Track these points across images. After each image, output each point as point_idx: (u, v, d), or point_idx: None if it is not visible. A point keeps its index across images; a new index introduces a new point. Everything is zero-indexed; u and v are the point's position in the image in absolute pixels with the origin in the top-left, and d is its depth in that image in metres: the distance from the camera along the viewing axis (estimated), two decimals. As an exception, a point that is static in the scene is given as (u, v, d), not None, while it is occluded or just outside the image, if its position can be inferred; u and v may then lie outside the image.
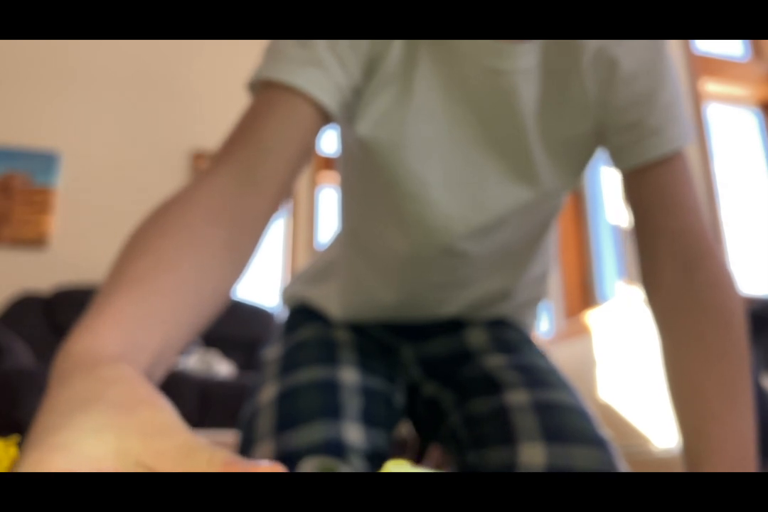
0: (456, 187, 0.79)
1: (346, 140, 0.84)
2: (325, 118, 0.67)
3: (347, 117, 0.79)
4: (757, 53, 3.67)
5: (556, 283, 3.73)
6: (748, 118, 3.63)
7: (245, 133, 0.63)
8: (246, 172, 0.60)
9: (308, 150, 0.66)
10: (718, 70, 3.49)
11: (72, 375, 0.37)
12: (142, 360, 0.43)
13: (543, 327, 3.79)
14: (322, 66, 0.66)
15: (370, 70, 0.73)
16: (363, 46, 0.70)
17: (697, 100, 3.26)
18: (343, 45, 0.68)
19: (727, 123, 3.56)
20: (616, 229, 3.42)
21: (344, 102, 0.69)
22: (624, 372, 2.70)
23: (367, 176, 0.83)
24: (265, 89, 0.66)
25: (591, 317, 3.07)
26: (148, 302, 0.46)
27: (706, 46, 3.59)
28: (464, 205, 0.80)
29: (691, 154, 3.11)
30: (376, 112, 0.75)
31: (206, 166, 0.61)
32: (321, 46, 0.66)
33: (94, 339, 0.41)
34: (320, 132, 0.67)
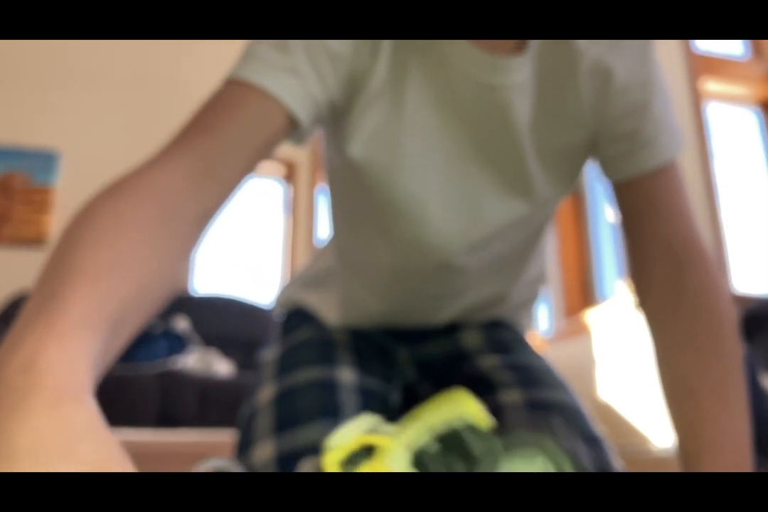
0: (453, 204, 0.78)
1: (333, 160, 0.83)
2: (292, 126, 0.66)
3: (333, 137, 0.78)
4: (757, 52, 3.67)
5: (555, 282, 3.73)
6: (748, 117, 3.62)
7: (208, 126, 0.61)
8: (207, 167, 0.58)
9: (266, 155, 0.64)
10: (718, 69, 3.49)
11: (36, 406, 0.34)
12: (92, 372, 0.39)
13: (542, 326, 3.79)
14: (298, 75, 0.65)
15: (353, 86, 0.71)
16: (344, 60, 0.68)
17: (697, 100, 3.26)
18: (323, 58, 0.66)
19: (727, 122, 3.56)
20: (615, 228, 3.42)
21: (317, 114, 0.68)
22: (623, 372, 2.70)
23: (357, 195, 0.81)
24: (236, 86, 0.64)
25: (590, 316, 3.07)
26: (105, 308, 0.42)
27: (706, 45, 3.59)
28: (461, 222, 0.79)
29: (691, 153, 3.11)
30: (367, 131, 0.73)
31: (165, 148, 0.59)
32: (300, 55, 0.65)
33: (60, 350, 0.37)
34: (281, 139, 0.66)
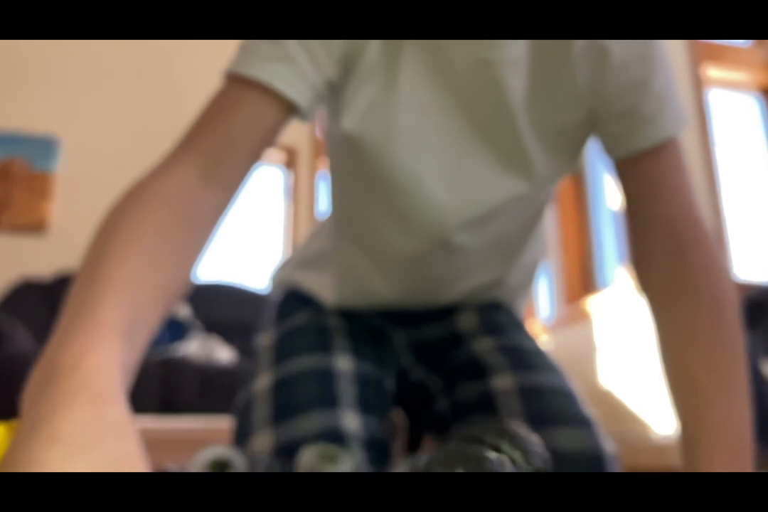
0: (448, 180, 0.78)
1: (332, 135, 0.84)
2: (293, 111, 0.68)
3: (332, 112, 0.78)
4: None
5: (556, 269, 3.73)
6: (749, 104, 3.61)
7: (211, 125, 0.64)
8: (210, 167, 0.62)
9: (270, 144, 0.67)
10: (720, 55, 3.47)
11: (80, 402, 0.39)
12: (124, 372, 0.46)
13: (543, 313, 3.79)
14: (291, 61, 0.66)
15: (348, 63, 0.72)
16: (337, 40, 0.70)
17: (699, 86, 3.24)
18: (315, 41, 0.68)
19: (728, 108, 3.55)
20: (616, 214, 3.41)
21: (316, 97, 0.69)
22: (624, 358, 2.71)
23: (356, 171, 0.82)
24: (234, 83, 0.66)
25: (591, 303, 3.07)
26: (130, 311, 0.48)
27: (709, 31, 3.56)
28: (457, 198, 0.79)
29: (692, 139, 3.10)
30: (361, 106, 0.74)
31: (173, 149, 0.63)
32: (292, 42, 0.66)
33: (100, 354, 0.43)
34: (284, 125, 0.68)
